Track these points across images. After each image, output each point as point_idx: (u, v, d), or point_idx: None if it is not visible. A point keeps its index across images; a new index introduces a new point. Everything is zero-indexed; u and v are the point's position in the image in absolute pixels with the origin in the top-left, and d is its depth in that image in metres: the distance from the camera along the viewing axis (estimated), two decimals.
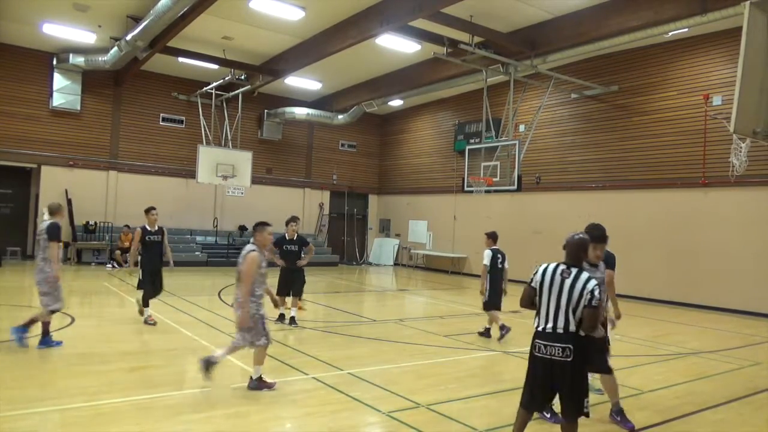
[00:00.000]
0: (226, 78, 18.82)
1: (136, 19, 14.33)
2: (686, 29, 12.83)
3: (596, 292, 3.91)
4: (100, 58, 17.14)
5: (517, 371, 6.42)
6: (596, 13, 12.96)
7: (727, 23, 12.23)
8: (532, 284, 4.20)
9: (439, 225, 22.39)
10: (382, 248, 25.01)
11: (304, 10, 13.71)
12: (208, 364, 5.68)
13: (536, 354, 4.05)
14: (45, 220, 7.34)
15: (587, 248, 4.19)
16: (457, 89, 19.84)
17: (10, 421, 4.69)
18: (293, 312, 9.70)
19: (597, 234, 5.04)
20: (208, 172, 18.93)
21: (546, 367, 3.99)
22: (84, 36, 16.45)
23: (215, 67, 18.35)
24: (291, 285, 9.81)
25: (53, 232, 7.09)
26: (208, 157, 19.03)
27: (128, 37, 14.55)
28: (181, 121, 21.16)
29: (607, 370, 5.27)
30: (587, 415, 4.00)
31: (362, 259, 25.23)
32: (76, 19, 15.31)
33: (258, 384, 5.88)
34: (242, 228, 21.99)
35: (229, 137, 20.89)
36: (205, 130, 20.54)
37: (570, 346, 3.92)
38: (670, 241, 14.53)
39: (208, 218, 21.14)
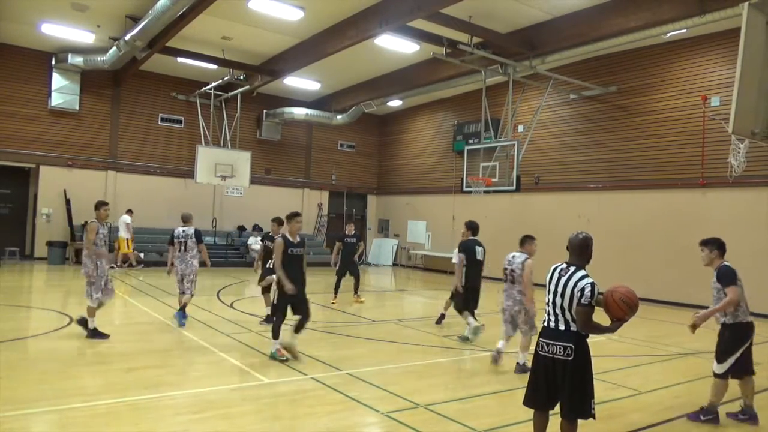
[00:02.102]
0: (225, 78, 18.81)
1: (135, 19, 14.32)
2: (684, 30, 12.83)
3: (587, 290, 3.87)
4: (98, 58, 17.12)
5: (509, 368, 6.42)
6: (595, 14, 12.96)
7: (726, 24, 12.23)
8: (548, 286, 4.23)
9: (437, 225, 22.38)
10: (381, 248, 25.01)
11: (303, 10, 13.70)
12: (496, 358, 7.14)
13: (539, 352, 4.07)
14: (183, 227, 9.41)
15: (590, 247, 4.15)
16: (456, 89, 19.84)
17: (8, 421, 4.69)
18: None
19: None
20: (206, 173, 18.92)
21: (548, 366, 3.99)
22: (83, 36, 16.43)
23: (214, 67, 18.34)
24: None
25: (200, 236, 9.47)
26: (206, 157, 19.02)
27: (127, 37, 14.54)
28: (180, 121, 21.15)
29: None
30: (593, 416, 3.96)
31: (361, 260, 25.21)
32: (74, 18, 15.30)
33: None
34: (241, 228, 21.97)
35: (228, 137, 20.88)
36: (203, 130, 20.52)
37: (571, 345, 3.90)
38: (668, 242, 14.54)
39: (207, 218, 21.12)
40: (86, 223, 7.50)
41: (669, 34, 13.56)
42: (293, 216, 7.65)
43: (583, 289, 3.89)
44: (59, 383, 5.85)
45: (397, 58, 17.29)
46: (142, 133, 20.43)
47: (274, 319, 7.23)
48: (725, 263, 5.51)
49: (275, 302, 7.28)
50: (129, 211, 17.75)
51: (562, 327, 3.99)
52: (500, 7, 13.36)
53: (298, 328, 7.20)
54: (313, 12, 13.96)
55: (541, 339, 4.10)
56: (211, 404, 5.45)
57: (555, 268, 4.16)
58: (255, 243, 19.12)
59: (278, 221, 9.12)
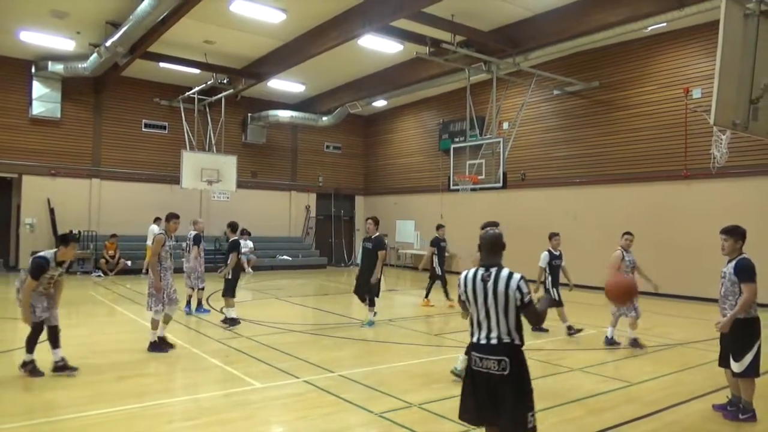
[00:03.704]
0: (209, 82, 18.70)
1: (116, 25, 14.19)
2: (664, 24, 12.97)
3: (523, 287, 3.58)
4: (79, 65, 16.95)
5: None
6: (575, 10, 13.05)
7: (704, 17, 12.37)
8: (461, 297, 3.83)
9: (426, 224, 22.39)
10: None
11: (285, 12, 13.66)
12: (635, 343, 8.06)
13: (473, 368, 3.69)
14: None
15: (503, 244, 3.83)
16: (441, 88, 19.88)
17: None
18: (370, 315, 10.01)
19: None
20: (192, 178, 18.78)
21: (485, 382, 3.62)
22: (63, 43, 16.26)
23: (197, 71, 18.24)
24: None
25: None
26: (192, 162, 18.89)
27: (108, 43, 14.41)
28: (164, 127, 20.99)
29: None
30: (533, 430, 3.57)
31: (350, 261, 25.19)
32: (54, 25, 15.13)
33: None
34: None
35: (213, 142, 20.74)
36: (188, 135, 20.38)
37: (505, 358, 3.55)
38: (654, 234, 14.67)
39: None
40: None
41: (649, 29, 13.70)
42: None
43: (519, 288, 3.58)
44: (50, 394, 5.79)
45: (380, 59, 17.30)
46: (126, 140, 20.25)
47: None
48: (745, 255, 5.35)
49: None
50: (157, 220, 17.36)
51: (494, 339, 3.61)
52: (482, 6, 13.41)
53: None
54: (296, 14, 13.93)
55: (473, 353, 3.70)
56: (203, 411, 5.42)
57: (472, 276, 3.73)
58: (244, 246, 19.06)
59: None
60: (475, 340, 3.71)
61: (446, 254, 13.00)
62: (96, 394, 5.77)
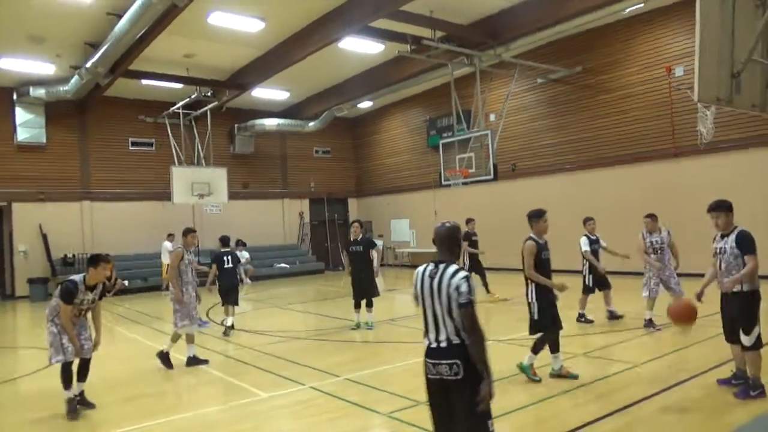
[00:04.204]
0: (193, 96, 18.65)
1: (95, 46, 14.12)
2: (641, 4, 13.04)
3: (463, 287, 3.23)
4: (61, 88, 16.86)
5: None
6: None
7: None
8: (415, 296, 3.54)
9: (421, 222, 22.43)
10: None
11: (263, 20, 13.64)
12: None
13: (428, 375, 3.38)
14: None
15: (458, 238, 3.56)
16: (425, 85, 19.89)
17: None
18: (369, 317, 9.81)
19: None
20: (183, 193, 18.71)
21: (440, 389, 3.33)
22: (43, 67, 16.18)
23: (180, 86, 18.18)
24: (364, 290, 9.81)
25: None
26: (182, 177, 18.81)
27: (88, 65, 14.34)
28: (151, 144, 20.91)
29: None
30: None
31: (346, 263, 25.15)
32: (33, 51, 15.04)
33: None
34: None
35: (202, 155, 20.67)
36: (176, 151, 20.30)
37: (457, 361, 3.24)
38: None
39: None
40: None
41: (627, 10, 13.77)
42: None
43: (458, 287, 3.25)
44: (56, 423, 5.72)
45: (363, 60, 17.29)
46: (114, 160, 20.15)
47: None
48: (742, 228, 5.36)
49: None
50: (170, 236, 17.23)
51: (443, 342, 3.31)
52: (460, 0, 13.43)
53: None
54: (274, 21, 13.90)
55: (426, 359, 3.39)
56: (211, 425, 5.39)
57: (422, 272, 3.46)
58: (240, 257, 18.98)
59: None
60: (426, 344, 3.41)
61: (478, 249, 12.57)
62: (103, 418, 5.73)
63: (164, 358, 7.73)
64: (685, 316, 5.64)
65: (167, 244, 16.80)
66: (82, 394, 6.01)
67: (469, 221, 12.64)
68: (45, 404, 6.32)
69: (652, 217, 8.80)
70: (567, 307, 9.29)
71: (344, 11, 13.18)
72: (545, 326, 6.10)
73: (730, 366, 5.70)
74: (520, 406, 5.31)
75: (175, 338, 7.87)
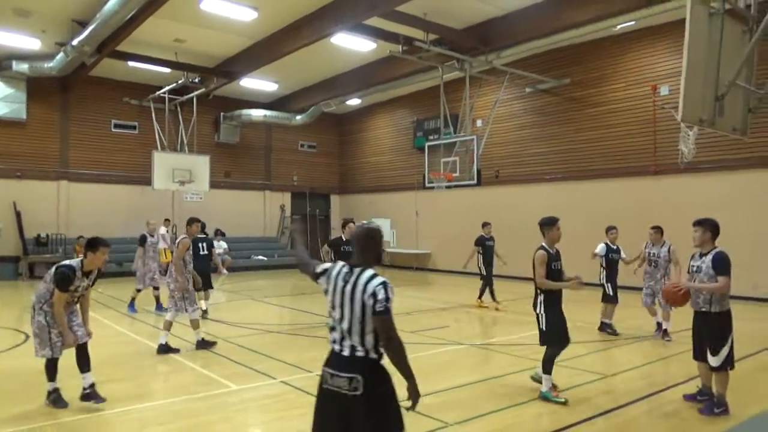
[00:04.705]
0: (180, 81, 18.41)
1: (82, 24, 13.86)
2: (633, 22, 13.22)
3: (380, 294, 2.91)
4: (45, 65, 16.51)
5: (485, 364, 6.50)
6: (547, 9, 13.20)
7: (672, 15, 12.62)
8: (325, 291, 3.20)
9: (401, 222, 22.45)
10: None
11: (256, 10, 13.53)
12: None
13: (323, 385, 3.04)
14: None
15: (378, 241, 3.23)
16: (415, 86, 19.92)
17: None
18: None
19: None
20: (164, 179, 18.47)
21: (336, 403, 2.96)
22: (27, 42, 15.82)
23: (167, 70, 17.95)
24: None
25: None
26: (163, 162, 18.58)
27: (74, 42, 14.08)
28: (134, 127, 20.61)
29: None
30: None
31: (327, 260, 25.09)
32: (18, 24, 14.71)
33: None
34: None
35: (185, 142, 20.42)
36: (159, 136, 20.03)
37: (357, 376, 2.89)
38: (624, 229, 14.85)
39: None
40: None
41: (619, 27, 13.94)
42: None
43: (375, 294, 2.92)
44: (22, 404, 5.60)
45: (354, 57, 17.25)
46: (95, 141, 19.82)
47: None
48: (721, 249, 5.40)
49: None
50: (166, 221, 17.00)
51: (346, 352, 2.99)
52: (455, 4, 13.47)
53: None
54: (267, 12, 13.80)
55: (324, 368, 3.07)
56: (178, 415, 5.34)
57: (336, 272, 3.13)
58: (219, 247, 18.81)
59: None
60: (329, 349, 3.10)
61: (494, 254, 12.00)
62: (68, 401, 5.62)
63: (165, 349, 7.72)
64: (679, 300, 5.71)
65: (162, 229, 16.69)
66: (92, 386, 5.56)
67: (485, 225, 12.16)
68: (13, 383, 6.21)
69: (656, 229, 8.86)
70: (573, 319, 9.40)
71: (338, 7, 13.13)
72: (552, 341, 5.87)
73: (696, 381, 5.80)
74: (484, 412, 5.33)
75: (168, 326, 7.88)
